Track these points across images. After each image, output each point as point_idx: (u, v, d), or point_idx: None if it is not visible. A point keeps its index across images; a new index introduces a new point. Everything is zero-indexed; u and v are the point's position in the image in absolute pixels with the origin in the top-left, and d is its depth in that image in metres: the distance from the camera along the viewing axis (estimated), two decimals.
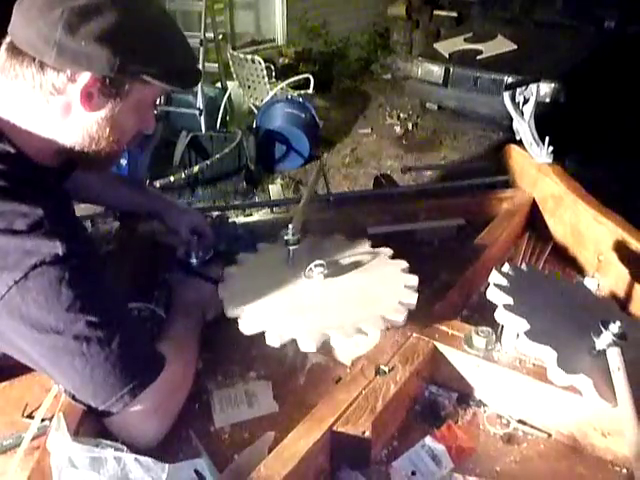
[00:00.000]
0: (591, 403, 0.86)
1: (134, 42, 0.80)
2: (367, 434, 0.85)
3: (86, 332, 0.78)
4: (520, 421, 0.98)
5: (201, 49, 4.72)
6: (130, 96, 0.84)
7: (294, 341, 0.97)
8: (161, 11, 0.89)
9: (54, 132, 0.84)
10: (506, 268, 1.06)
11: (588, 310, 1.05)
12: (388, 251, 1.21)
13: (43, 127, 0.84)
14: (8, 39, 0.81)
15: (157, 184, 3.70)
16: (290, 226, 1.14)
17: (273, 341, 0.96)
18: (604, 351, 0.91)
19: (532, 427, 0.97)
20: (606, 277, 1.33)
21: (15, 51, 0.79)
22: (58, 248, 0.76)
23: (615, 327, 0.90)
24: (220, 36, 5.25)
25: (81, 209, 1.21)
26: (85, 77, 0.79)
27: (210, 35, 4.92)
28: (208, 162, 4.12)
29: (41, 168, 0.85)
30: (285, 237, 1.15)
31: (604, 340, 0.91)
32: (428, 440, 0.93)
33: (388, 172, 4.56)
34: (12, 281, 0.74)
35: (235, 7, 6.73)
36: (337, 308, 1.05)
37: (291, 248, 1.16)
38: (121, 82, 0.82)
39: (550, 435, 0.96)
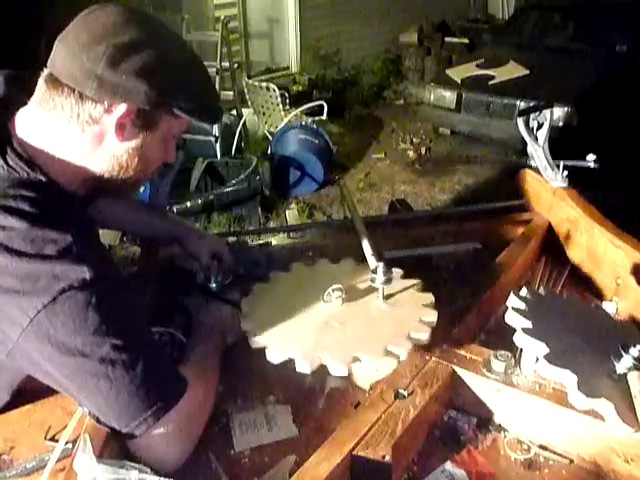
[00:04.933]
0: (613, 428, 0.86)
1: (169, 78, 0.84)
2: (387, 458, 0.85)
3: (111, 355, 0.79)
4: (541, 446, 0.97)
5: (217, 78, 4.82)
6: (159, 128, 0.89)
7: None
8: (191, 51, 0.93)
9: (86, 160, 0.88)
10: (524, 292, 1.07)
11: (607, 334, 1.04)
12: (414, 281, 1.21)
13: (75, 155, 0.87)
14: (47, 72, 0.85)
15: (174, 209, 3.75)
16: (381, 265, 1.09)
17: (303, 367, 0.97)
18: (625, 375, 0.90)
19: (553, 453, 0.96)
20: (625, 301, 1.32)
21: (55, 83, 0.83)
22: (86, 273, 0.78)
23: (636, 351, 0.90)
24: (235, 65, 5.36)
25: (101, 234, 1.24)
26: (121, 109, 0.83)
27: (226, 64, 5.03)
28: (224, 188, 4.17)
29: (69, 195, 0.88)
30: (373, 275, 1.10)
31: (625, 364, 0.90)
32: (448, 465, 0.93)
33: (402, 196, 4.59)
34: (41, 305, 0.76)
35: (250, 37, 6.87)
36: (360, 331, 1.06)
37: (382, 287, 1.11)
38: (153, 115, 0.86)
39: (572, 461, 0.95)
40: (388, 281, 1.10)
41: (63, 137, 0.85)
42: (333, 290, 1.12)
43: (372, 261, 1.17)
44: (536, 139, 1.57)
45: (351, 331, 1.06)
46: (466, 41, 7.83)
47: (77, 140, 0.86)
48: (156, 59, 0.82)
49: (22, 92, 0.88)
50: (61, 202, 0.85)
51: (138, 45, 0.81)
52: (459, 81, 5.51)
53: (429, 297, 1.13)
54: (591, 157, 1.58)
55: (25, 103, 0.87)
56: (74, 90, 0.82)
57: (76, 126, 0.84)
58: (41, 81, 0.85)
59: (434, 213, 1.92)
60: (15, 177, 0.82)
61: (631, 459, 0.89)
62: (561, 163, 1.58)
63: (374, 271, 1.10)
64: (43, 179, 0.84)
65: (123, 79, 0.80)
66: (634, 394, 0.87)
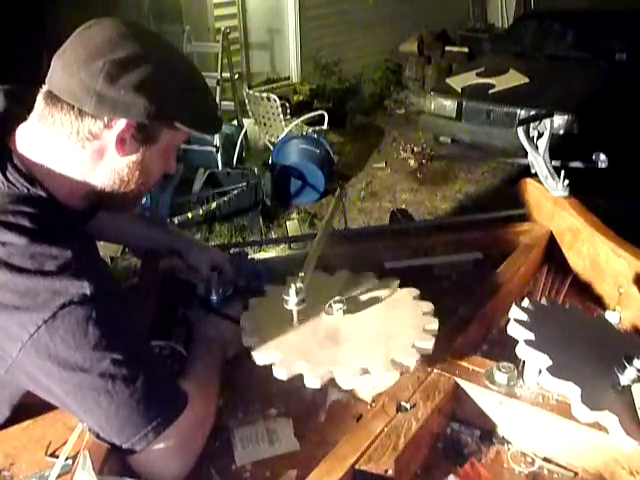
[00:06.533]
0: (618, 440, 0.85)
1: (168, 91, 0.85)
2: (390, 472, 0.84)
3: (111, 370, 0.79)
4: (545, 459, 0.96)
5: (218, 88, 4.84)
6: (160, 141, 0.89)
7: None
8: (189, 63, 0.94)
9: (86, 175, 0.88)
10: (526, 303, 1.06)
11: (611, 344, 1.04)
12: (414, 291, 1.21)
13: (76, 171, 0.87)
14: (45, 88, 0.85)
15: (175, 221, 3.76)
16: (293, 287, 1.04)
17: (313, 383, 0.97)
18: (629, 387, 0.90)
19: (558, 465, 0.95)
20: (627, 310, 1.32)
21: (54, 99, 0.83)
22: (86, 288, 0.78)
23: (639, 362, 0.89)
24: (236, 75, 5.39)
25: (101, 247, 1.24)
26: (121, 124, 0.83)
27: (226, 75, 5.05)
28: (225, 198, 4.18)
29: (69, 210, 0.88)
30: (286, 297, 1.05)
31: (628, 375, 0.90)
32: (451, 478, 0.92)
33: (403, 206, 4.59)
34: (41, 320, 0.76)
35: (250, 47, 6.91)
36: (365, 344, 1.05)
37: (295, 309, 1.06)
38: (153, 128, 0.87)
39: (576, 474, 0.94)
40: (301, 302, 1.04)
41: (63, 153, 0.86)
42: (334, 302, 1.12)
43: (299, 278, 1.07)
44: (536, 148, 1.57)
45: (355, 344, 1.05)
46: (466, 50, 7.86)
47: (77, 156, 0.86)
48: (154, 73, 0.82)
49: (22, 107, 0.88)
50: (61, 218, 0.85)
51: (136, 59, 0.81)
52: (459, 90, 5.53)
53: (429, 305, 1.13)
54: (601, 157, 1.56)
55: (25, 118, 0.87)
56: (73, 107, 0.82)
57: (76, 142, 0.84)
58: (40, 97, 0.85)
59: (434, 223, 1.92)
60: (15, 193, 0.82)
61: (636, 471, 0.88)
62: (562, 172, 1.58)
63: (287, 293, 1.04)
64: (43, 195, 0.84)
65: (122, 94, 0.80)
66: (638, 406, 0.86)
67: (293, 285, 1.05)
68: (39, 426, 1.01)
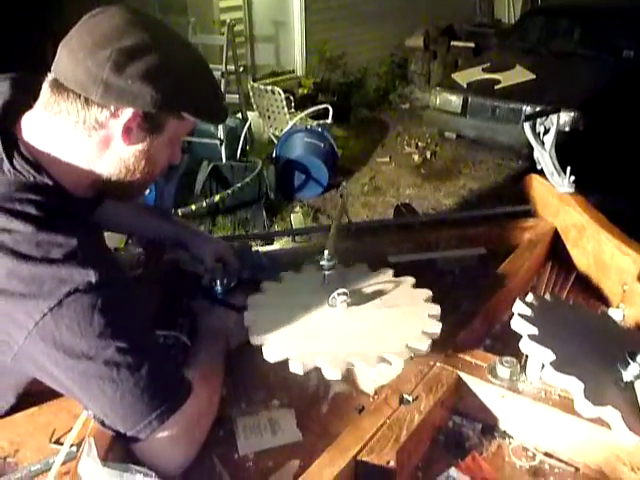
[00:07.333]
0: (620, 436, 0.85)
1: (175, 81, 0.84)
2: (392, 464, 0.85)
3: (116, 358, 0.79)
4: (546, 454, 0.97)
5: (222, 81, 4.83)
6: (166, 131, 0.88)
7: (318, 369, 0.97)
8: (195, 52, 0.93)
9: (92, 164, 0.88)
10: (530, 298, 1.06)
11: (614, 341, 1.04)
12: (411, 280, 1.22)
13: (82, 159, 0.87)
14: (51, 76, 0.84)
15: (179, 213, 3.77)
16: (326, 251, 1.18)
17: (296, 368, 0.97)
18: (632, 383, 0.90)
19: (559, 460, 0.95)
20: (631, 307, 1.32)
21: (60, 88, 0.83)
22: (91, 276, 0.78)
23: None
24: (241, 68, 5.38)
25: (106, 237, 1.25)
26: (128, 113, 0.83)
27: (231, 67, 5.04)
28: (229, 191, 4.18)
29: (75, 199, 0.88)
30: (321, 262, 1.18)
31: (632, 372, 0.90)
32: (452, 471, 0.92)
33: (407, 200, 4.58)
34: (47, 308, 0.76)
35: (255, 40, 6.89)
36: (361, 337, 1.05)
37: (326, 273, 1.19)
38: (160, 118, 0.86)
39: (578, 469, 0.94)
40: (331, 267, 1.18)
41: (69, 141, 0.85)
42: (338, 294, 1.12)
43: (329, 249, 1.21)
44: (543, 144, 1.57)
45: (351, 336, 1.05)
46: (472, 45, 7.82)
47: (83, 144, 0.86)
48: (161, 62, 0.82)
49: (27, 95, 0.88)
50: (67, 206, 0.85)
51: (143, 48, 0.81)
52: (465, 85, 5.51)
53: (435, 308, 1.12)
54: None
55: (30, 107, 0.87)
56: (80, 95, 0.82)
57: (82, 131, 0.84)
58: (45, 86, 0.85)
59: (439, 217, 1.92)
60: (22, 181, 0.82)
61: (638, 468, 0.88)
62: (568, 169, 1.57)
63: (321, 258, 1.19)
64: (50, 183, 0.84)
65: (129, 83, 0.80)
66: None
67: (326, 250, 1.18)
68: (44, 413, 1.02)
